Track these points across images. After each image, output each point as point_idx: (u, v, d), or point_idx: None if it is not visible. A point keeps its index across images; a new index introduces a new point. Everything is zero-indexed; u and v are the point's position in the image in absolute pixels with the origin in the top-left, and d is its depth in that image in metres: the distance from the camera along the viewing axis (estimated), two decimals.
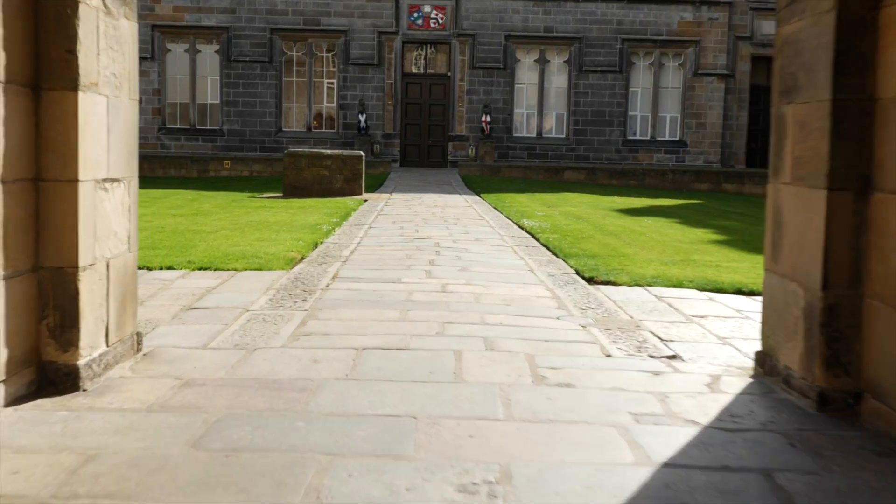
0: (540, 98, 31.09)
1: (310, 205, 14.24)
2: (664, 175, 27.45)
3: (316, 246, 8.66)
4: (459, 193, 19.05)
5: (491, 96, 30.84)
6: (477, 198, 17.65)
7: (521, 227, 11.17)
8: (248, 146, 30.52)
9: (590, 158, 30.77)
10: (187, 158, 27.53)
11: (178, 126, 30.72)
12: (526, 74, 31.11)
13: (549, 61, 31.01)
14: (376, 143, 30.52)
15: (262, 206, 13.95)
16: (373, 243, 9.05)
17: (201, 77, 30.68)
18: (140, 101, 30.38)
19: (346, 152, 17.42)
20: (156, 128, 30.39)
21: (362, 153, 17.60)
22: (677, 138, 31.36)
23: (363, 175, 17.64)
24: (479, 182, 23.67)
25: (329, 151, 17.31)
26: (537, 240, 9.68)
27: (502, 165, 28.08)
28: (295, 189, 17.05)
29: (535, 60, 31.00)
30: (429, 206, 14.83)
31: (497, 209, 14.48)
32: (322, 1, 30.69)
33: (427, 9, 30.60)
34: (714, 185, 27.33)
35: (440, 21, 30.59)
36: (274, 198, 16.45)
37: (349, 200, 15.65)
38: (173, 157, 27.73)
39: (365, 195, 17.44)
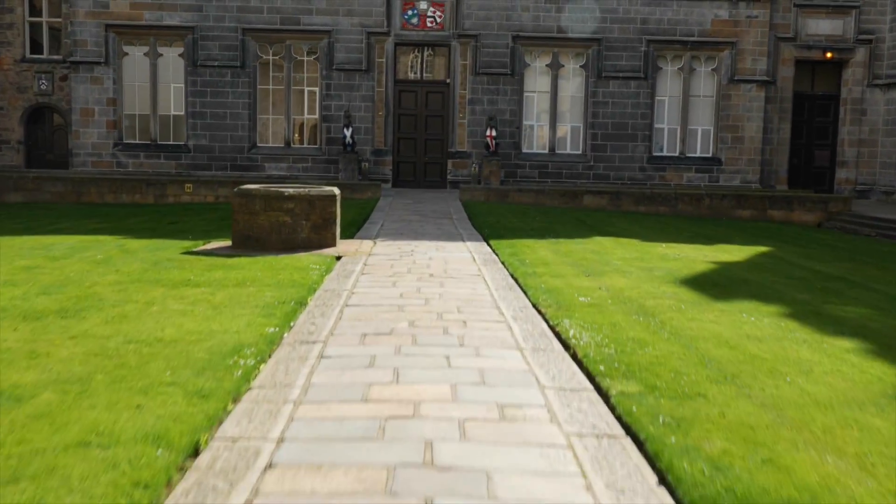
0: (553, 108, 27.12)
1: (253, 277, 10.22)
2: (699, 200, 23.48)
3: (196, 452, 4.57)
4: (463, 239, 15.03)
5: (496, 106, 26.86)
6: (486, 249, 13.66)
7: (566, 344, 7.13)
8: (217, 164, 26.51)
9: (610, 178, 26.77)
10: (142, 182, 23.53)
11: (136, 141, 26.71)
12: (537, 81, 27.14)
13: (563, 66, 27.04)
14: (365, 160, 26.51)
15: (185, 279, 9.92)
16: (308, 435, 4.92)
17: (164, 84, 26.70)
18: (92, 114, 26.43)
19: (316, 191, 13.38)
20: (111, 143, 26.38)
21: (336, 192, 13.57)
22: (710, 154, 27.37)
23: (337, 219, 13.62)
24: (485, 214, 19.69)
25: (292, 190, 13.25)
26: (609, 399, 5.57)
27: (510, 189, 24.06)
28: (247, 240, 13.04)
29: (546, 65, 27.05)
30: (422, 275, 10.81)
31: (517, 280, 10.46)
32: None
33: (423, 6, 26.62)
34: (758, 212, 23.41)
35: (438, 20, 26.64)
36: (217, 253, 12.44)
37: (314, 263, 11.63)
38: (126, 179, 23.71)
39: (339, 246, 13.45)
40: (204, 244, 13.57)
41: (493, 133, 26.05)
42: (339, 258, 12.42)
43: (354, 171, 25.70)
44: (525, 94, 27.12)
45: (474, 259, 12.54)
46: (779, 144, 27.63)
